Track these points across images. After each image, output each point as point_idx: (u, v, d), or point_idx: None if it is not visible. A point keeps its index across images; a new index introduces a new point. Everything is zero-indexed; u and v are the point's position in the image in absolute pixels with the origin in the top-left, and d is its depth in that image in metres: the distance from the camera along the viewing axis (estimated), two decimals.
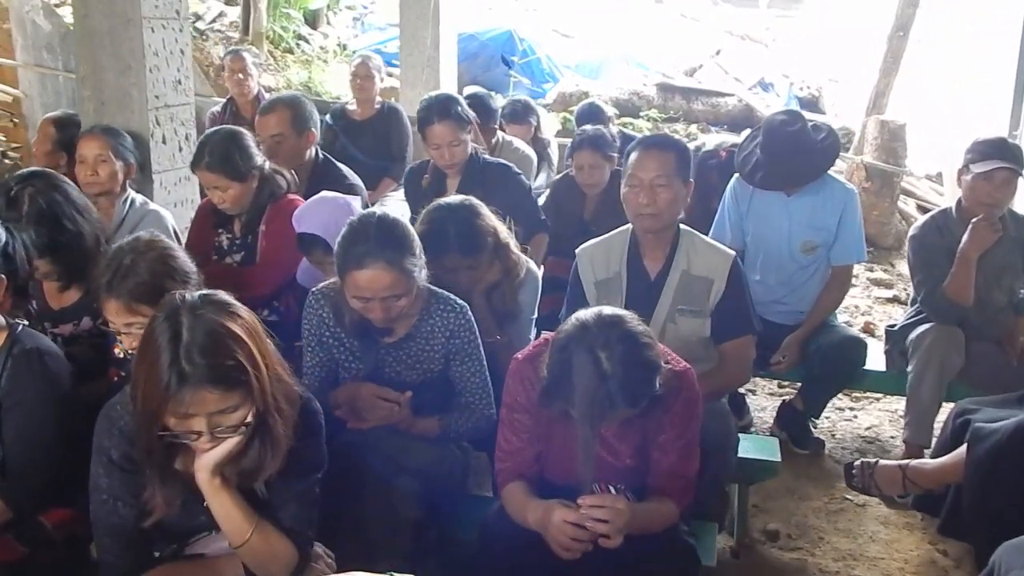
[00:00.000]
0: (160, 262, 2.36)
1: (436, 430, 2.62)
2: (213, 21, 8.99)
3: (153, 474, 1.85)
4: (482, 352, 2.67)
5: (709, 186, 4.44)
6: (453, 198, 3.05)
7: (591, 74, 9.68)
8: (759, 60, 10.57)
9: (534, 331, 3.33)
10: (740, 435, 3.15)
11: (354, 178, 3.99)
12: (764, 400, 4.60)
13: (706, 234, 3.97)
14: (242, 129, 3.48)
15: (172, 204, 4.07)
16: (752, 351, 3.11)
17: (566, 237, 4.40)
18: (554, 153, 6.02)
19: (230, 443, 1.83)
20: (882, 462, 3.15)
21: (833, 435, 4.23)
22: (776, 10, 14.13)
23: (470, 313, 2.63)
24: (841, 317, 4.99)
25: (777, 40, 12.05)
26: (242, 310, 1.85)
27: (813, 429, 4.11)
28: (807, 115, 4.31)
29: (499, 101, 6.89)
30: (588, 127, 4.65)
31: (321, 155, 3.97)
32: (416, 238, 2.50)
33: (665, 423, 2.24)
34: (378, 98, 6.03)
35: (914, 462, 3.09)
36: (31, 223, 2.75)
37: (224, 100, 6.43)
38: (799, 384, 4.11)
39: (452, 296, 2.64)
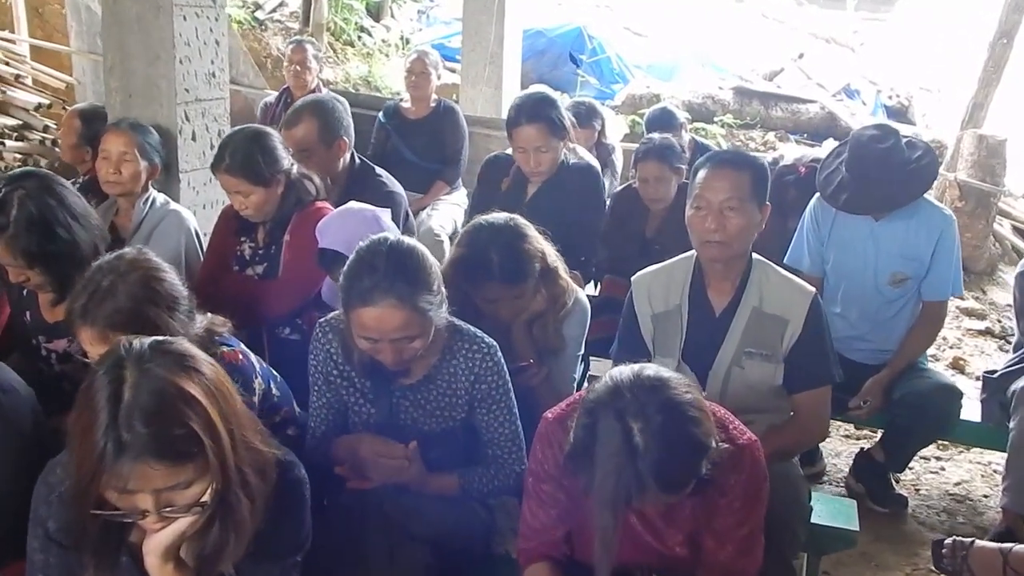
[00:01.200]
0: (142, 285, 2.05)
1: (455, 489, 2.26)
2: (273, 11, 8.77)
3: (88, 559, 1.53)
4: (512, 398, 2.30)
5: (786, 203, 4.03)
6: (497, 217, 2.68)
7: (663, 75, 9.23)
8: (845, 65, 9.97)
9: (581, 366, 2.97)
10: (812, 492, 2.75)
11: (393, 185, 3.65)
12: (839, 444, 4.15)
13: (783, 257, 3.63)
14: (268, 129, 3.17)
15: (201, 206, 3.80)
16: (830, 403, 2.70)
17: (626, 256, 4.07)
18: (619, 160, 5.63)
19: (183, 523, 1.50)
20: (979, 543, 2.69)
21: (917, 490, 3.77)
22: (865, 12, 13.43)
23: (499, 354, 2.27)
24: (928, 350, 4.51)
25: (865, 44, 11.39)
26: (204, 364, 1.51)
27: (894, 484, 3.66)
28: (900, 127, 3.85)
29: (564, 102, 6.55)
30: (655, 135, 4.25)
31: (358, 160, 3.64)
32: (434, 270, 2.14)
33: (722, 507, 1.85)
34: (434, 96, 5.69)
35: (1019, 548, 2.64)
36: (20, 230, 2.47)
37: (279, 91, 6.19)
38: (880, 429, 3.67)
39: (479, 333, 2.28)
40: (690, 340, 2.62)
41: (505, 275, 2.55)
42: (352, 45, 9.20)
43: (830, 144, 7.61)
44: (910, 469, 3.84)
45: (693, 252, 2.67)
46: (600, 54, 9.19)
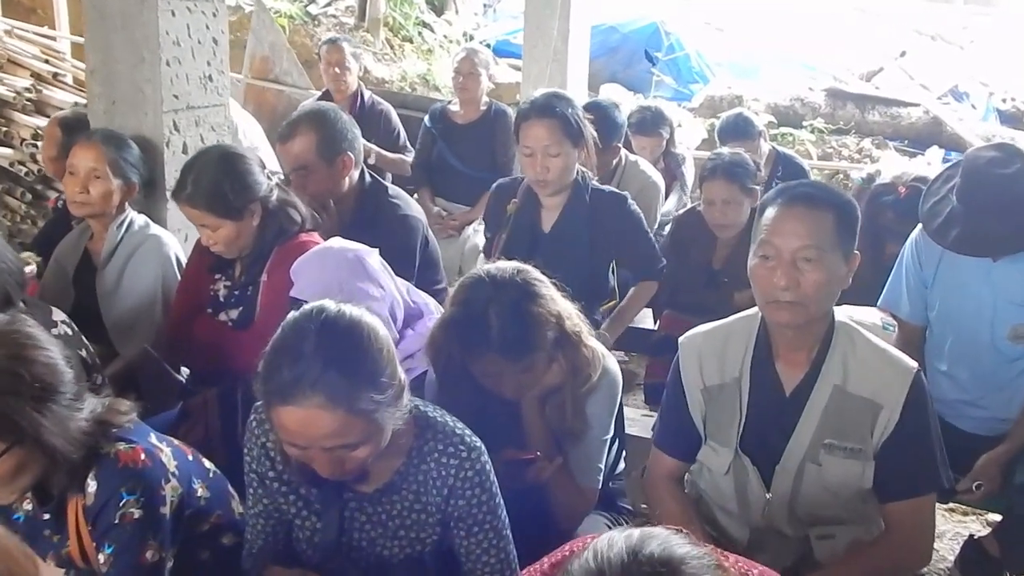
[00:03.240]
0: (4, 372, 1.55)
1: None
2: (327, 5, 8.39)
3: None
4: (502, 517, 1.75)
5: (882, 228, 3.46)
6: (503, 268, 2.10)
7: (747, 75, 8.61)
8: (952, 64, 9.17)
9: (614, 449, 2.38)
10: None
11: (409, 207, 3.14)
12: (942, 522, 3.45)
13: (879, 293, 3.05)
14: (240, 150, 2.69)
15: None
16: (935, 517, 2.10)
17: (690, 288, 3.63)
18: (689, 172, 5.07)
19: None
20: None
21: None
22: (975, 6, 12.48)
23: (484, 459, 1.72)
24: None
25: (975, 41, 10.51)
26: None
27: None
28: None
29: (632, 104, 6.00)
30: (724, 150, 3.72)
31: (368, 178, 3.13)
32: (385, 353, 1.59)
33: None
34: (485, 99, 5.21)
35: None
36: None
37: (319, 93, 5.80)
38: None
39: (458, 431, 1.73)
40: (751, 425, 2.08)
41: (506, 346, 1.98)
42: (411, 41, 8.76)
43: (934, 153, 6.89)
44: None
45: (757, 311, 2.09)
46: (677, 51, 8.64)
